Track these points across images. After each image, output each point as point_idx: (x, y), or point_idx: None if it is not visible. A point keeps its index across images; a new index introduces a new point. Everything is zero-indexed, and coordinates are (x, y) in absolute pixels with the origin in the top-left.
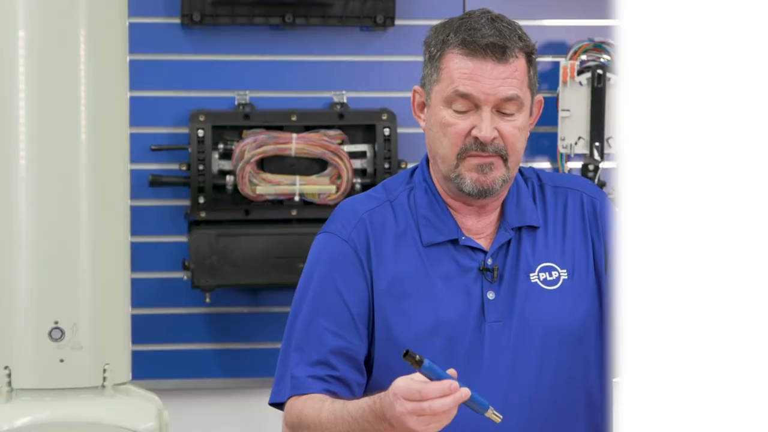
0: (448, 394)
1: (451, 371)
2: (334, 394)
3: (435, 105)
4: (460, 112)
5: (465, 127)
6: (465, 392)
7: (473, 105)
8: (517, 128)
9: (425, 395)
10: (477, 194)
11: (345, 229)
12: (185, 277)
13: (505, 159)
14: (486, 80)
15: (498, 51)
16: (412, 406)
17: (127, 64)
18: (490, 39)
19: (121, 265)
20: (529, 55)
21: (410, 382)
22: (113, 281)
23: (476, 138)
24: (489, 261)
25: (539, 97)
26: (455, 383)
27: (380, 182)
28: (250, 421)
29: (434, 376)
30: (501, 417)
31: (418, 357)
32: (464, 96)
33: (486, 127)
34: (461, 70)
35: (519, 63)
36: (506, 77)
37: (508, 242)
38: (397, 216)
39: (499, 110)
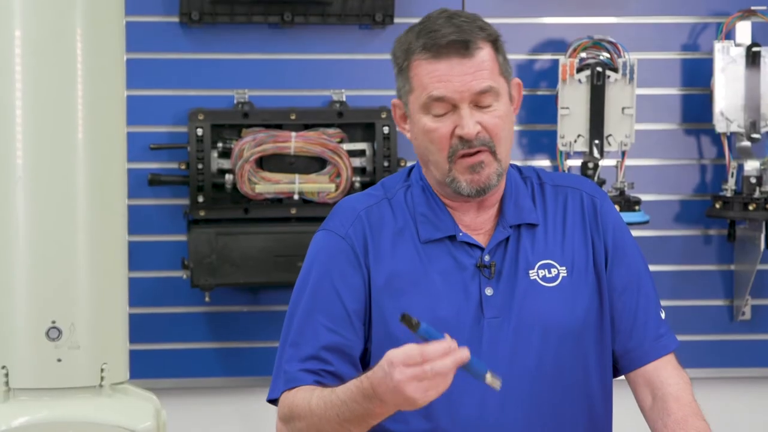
0: (449, 353)
1: (446, 336)
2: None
3: (414, 114)
4: (439, 115)
5: (448, 128)
6: (465, 353)
7: (450, 106)
8: (498, 118)
9: (426, 356)
10: (475, 194)
11: (343, 226)
12: (184, 276)
13: (493, 151)
14: (456, 78)
15: (461, 47)
16: (413, 372)
17: (124, 63)
18: (451, 37)
19: (118, 264)
20: (495, 43)
21: (407, 348)
22: (111, 280)
23: (461, 137)
24: (486, 258)
25: (516, 79)
26: (455, 343)
27: (379, 180)
28: (248, 420)
29: (431, 339)
30: (500, 381)
31: (414, 321)
32: (439, 99)
33: (467, 124)
34: (430, 74)
35: (485, 53)
36: (475, 71)
37: (507, 239)
38: (395, 213)
39: (476, 104)
